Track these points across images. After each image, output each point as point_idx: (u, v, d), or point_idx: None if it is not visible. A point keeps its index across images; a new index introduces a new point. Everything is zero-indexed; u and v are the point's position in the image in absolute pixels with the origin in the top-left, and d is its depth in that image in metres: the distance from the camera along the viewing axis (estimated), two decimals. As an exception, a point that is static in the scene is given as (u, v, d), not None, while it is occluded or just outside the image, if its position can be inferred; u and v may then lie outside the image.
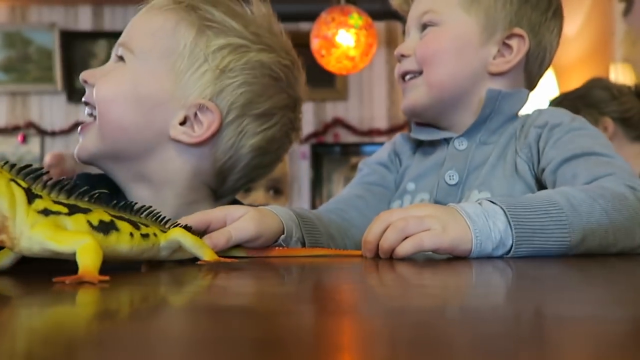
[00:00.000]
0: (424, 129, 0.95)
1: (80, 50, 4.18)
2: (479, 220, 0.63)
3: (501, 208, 0.64)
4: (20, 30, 4.39)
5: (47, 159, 3.33)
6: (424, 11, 0.91)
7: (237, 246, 0.68)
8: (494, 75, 0.89)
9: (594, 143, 0.79)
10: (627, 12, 2.68)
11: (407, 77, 0.92)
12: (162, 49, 0.81)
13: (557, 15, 0.93)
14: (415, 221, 0.62)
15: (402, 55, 0.93)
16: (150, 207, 0.56)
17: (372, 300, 0.39)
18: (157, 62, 0.81)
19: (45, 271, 0.51)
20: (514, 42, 0.88)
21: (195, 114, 0.80)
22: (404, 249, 0.61)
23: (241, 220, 0.68)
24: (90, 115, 0.83)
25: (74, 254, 0.41)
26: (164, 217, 0.58)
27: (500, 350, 0.22)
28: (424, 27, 0.91)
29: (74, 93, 4.27)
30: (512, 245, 0.63)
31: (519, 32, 0.88)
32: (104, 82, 0.81)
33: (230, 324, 0.28)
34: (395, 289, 0.45)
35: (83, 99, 0.84)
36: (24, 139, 4.40)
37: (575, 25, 3.17)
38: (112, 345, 0.24)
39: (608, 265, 0.61)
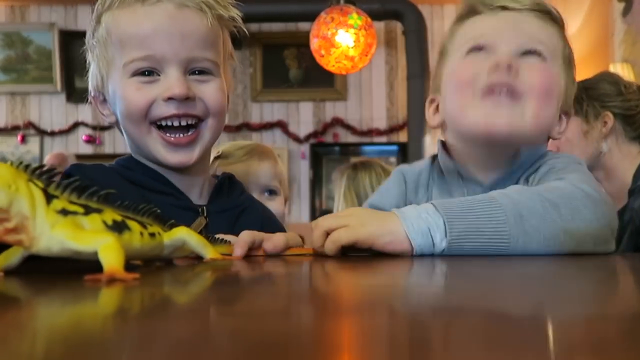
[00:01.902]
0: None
1: (79, 50, 4.17)
2: (410, 212, 0.69)
3: (431, 204, 0.70)
4: (19, 30, 4.39)
5: (50, 159, 3.32)
6: (537, 38, 0.85)
7: (223, 244, 0.69)
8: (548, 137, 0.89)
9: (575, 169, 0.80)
10: (626, 12, 2.68)
11: (504, 90, 0.82)
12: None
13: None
14: (333, 220, 0.70)
15: (510, 67, 0.82)
16: (153, 206, 0.57)
17: (372, 299, 0.39)
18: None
19: (60, 270, 0.51)
20: (564, 117, 0.89)
21: None
22: (327, 247, 0.68)
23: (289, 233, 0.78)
24: None
25: (95, 253, 0.41)
26: (165, 218, 0.59)
27: (500, 349, 0.22)
28: (526, 52, 0.84)
29: (73, 93, 4.27)
30: (444, 223, 0.67)
31: (569, 110, 0.90)
32: None
33: (231, 324, 0.28)
34: (394, 289, 0.45)
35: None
36: (23, 139, 4.39)
37: (574, 25, 3.17)
38: (118, 344, 0.24)
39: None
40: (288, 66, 4.39)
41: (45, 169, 0.43)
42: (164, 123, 0.85)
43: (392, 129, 4.32)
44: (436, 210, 0.68)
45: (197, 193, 0.92)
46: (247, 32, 0.97)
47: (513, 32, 0.85)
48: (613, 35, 2.79)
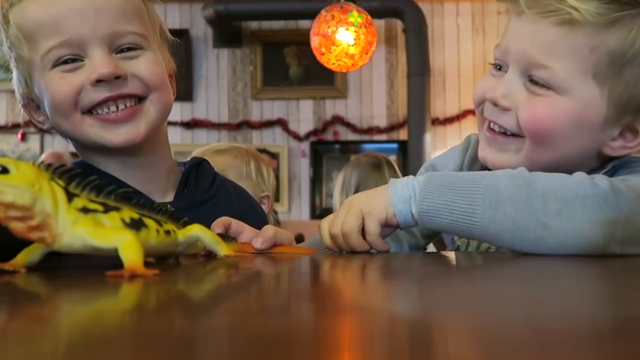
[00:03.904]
0: None
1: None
2: (402, 180, 0.70)
3: (428, 174, 0.69)
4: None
5: (46, 158, 3.32)
6: (540, 63, 0.72)
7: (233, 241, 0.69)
8: (603, 155, 0.76)
9: None
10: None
11: (498, 129, 0.77)
12: None
13: None
14: (337, 219, 0.70)
15: (496, 104, 0.75)
16: (165, 205, 0.57)
17: (371, 298, 0.40)
18: None
19: (77, 267, 0.52)
20: None
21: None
22: (374, 245, 0.69)
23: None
24: None
25: (115, 250, 0.42)
26: (179, 216, 0.60)
27: (500, 348, 0.23)
28: (534, 81, 0.73)
29: (74, 91, 4.27)
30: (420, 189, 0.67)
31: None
32: None
33: (232, 323, 0.28)
34: (395, 287, 0.46)
35: None
36: (24, 137, 4.39)
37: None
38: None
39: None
40: (288, 64, 4.39)
41: (64, 168, 0.44)
42: (99, 111, 0.78)
43: (393, 127, 4.32)
44: (424, 181, 0.68)
45: (159, 189, 0.86)
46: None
47: (520, 44, 0.74)
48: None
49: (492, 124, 0.77)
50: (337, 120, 4.34)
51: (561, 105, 0.72)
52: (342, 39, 3.21)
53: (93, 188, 0.46)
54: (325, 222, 0.72)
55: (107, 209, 0.46)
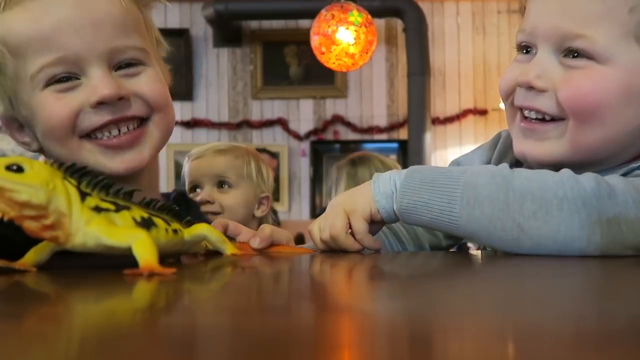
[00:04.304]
0: None
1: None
2: (385, 175, 0.68)
3: (410, 169, 0.67)
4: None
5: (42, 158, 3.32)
6: (575, 34, 0.67)
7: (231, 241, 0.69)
8: None
9: None
10: (626, 9, 2.69)
11: (535, 115, 0.71)
12: None
13: None
14: (324, 221, 0.70)
15: (531, 87, 0.69)
16: (171, 204, 0.57)
17: (372, 298, 0.40)
18: None
19: (87, 266, 0.52)
20: None
21: None
22: (366, 244, 0.68)
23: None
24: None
25: (128, 249, 0.42)
26: (183, 216, 0.60)
27: (500, 348, 0.22)
28: (571, 52, 0.68)
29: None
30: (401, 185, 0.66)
31: None
32: None
33: (233, 322, 0.28)
34: (396, 286, 0.46)
35: None
36: (24, 137, 4.38)
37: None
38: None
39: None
40: (288, 63, 4.39)
41: (75, 167, 0.44)
42: (99, 135, 0.71)
43: (393, 127, 4.32)
44: (405, 177, 0.67)
45: None
46: (166, 3, 0.86)
47: (550, 18, 0.70)
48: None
49: (526, 112, 0.71)
50: (337, 119, 4.34)
51: (605, 75, 0.67)
52: (342, 38, 3.21)
53: (102, 187, 0.46)
54: (316, 227, 0.71)
55: (119, 208, 0.46)
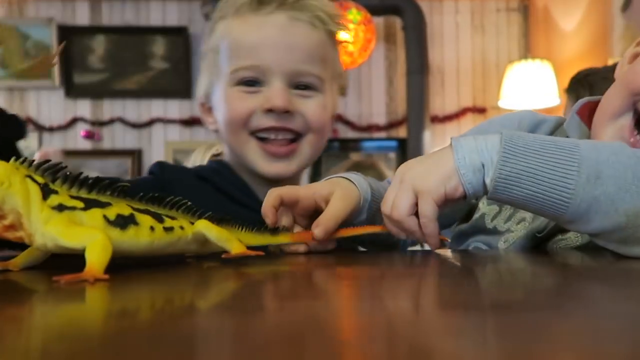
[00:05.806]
0: None
1: (78, 46, 4.16)
2: (468, 143, 0.60)
3: (500, 134, 0.59)
4: (17, 25, 4.37)
5: (38, 156, 3.32)
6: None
7: (285, 232, 0.67)
8: None
9: None
10: (625, 7, 2.68)
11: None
12: None
13: None
14: (393, 192, 0.63)
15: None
16: (181, 199, 0.55)
17: (372, 297, 0.39)
18: None
19: (71, 267, 0.51)
20: None
21: None
22: (428, 231, 0.62)
23: (335, 200, 0.68)
24: None
25: (84, 250, 0.40)
26: (198, 209, 0.56)
27: (499, 348, 0.22)
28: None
29: (72, 88, 4.26)
30: (499, 160, 0.57)
31: None
32: None
33: (235, 321, 0.28)
34: (404, 286, 0.45)
35: None
36: (22, 135, 4.38)
37: (573, 20, 3.17)
38: (121, 342, 0.24)
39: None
40: (287, 62, 4.38)
41: (50, 164, 0.43)
42: (261, 135, 0.85)
43: (392, 125, 4.31)
44: (499, 143, 0.57)
45: None
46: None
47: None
48: (612, 30, 2.78)
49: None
50: (336, 118, 4.33)
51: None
52: (341, 36, 3.20)
53: (84, 184, 0.44)
54: (384, 204, 0.64)
55: (89, 206, 0.44)
